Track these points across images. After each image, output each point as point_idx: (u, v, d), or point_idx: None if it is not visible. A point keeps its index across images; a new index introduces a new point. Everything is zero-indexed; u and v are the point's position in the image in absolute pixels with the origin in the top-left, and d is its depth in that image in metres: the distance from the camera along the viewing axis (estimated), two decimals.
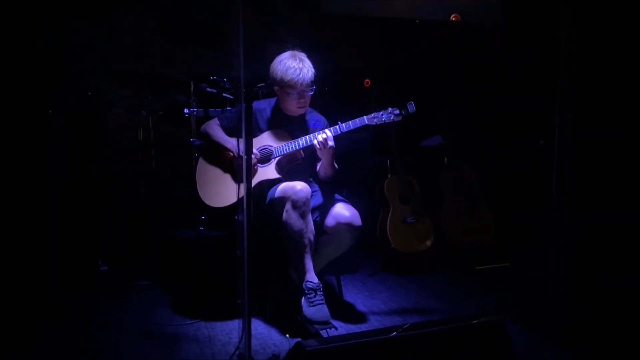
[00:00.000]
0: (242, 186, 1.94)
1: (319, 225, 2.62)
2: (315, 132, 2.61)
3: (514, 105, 4.29)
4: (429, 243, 3.46)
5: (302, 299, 2.50)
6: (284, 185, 2.54)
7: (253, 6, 2.03)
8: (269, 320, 2.67)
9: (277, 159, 2.65)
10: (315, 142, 2.55)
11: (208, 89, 3.26)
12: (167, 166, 3.83)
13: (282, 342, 2.47)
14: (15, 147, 3.37)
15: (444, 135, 3.94)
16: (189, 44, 3.62)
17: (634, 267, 2.79)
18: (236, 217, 2.39)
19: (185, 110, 3.29)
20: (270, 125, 2.74)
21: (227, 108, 3.23)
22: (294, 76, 2.59)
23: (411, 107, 2.56)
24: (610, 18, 2.68)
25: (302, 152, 2.67)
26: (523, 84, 4.29)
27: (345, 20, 4.23)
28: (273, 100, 2.80)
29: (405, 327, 1.86)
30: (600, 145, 2.71)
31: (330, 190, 2.76)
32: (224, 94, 3.23)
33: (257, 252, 2.27)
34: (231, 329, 2.59)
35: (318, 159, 2.68)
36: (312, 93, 2.69)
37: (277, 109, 2.77)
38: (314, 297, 2.47)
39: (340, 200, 2.68)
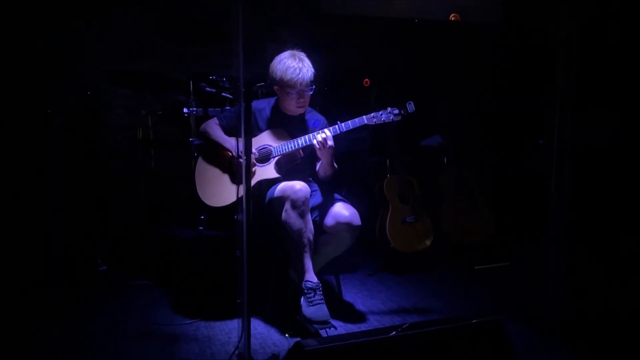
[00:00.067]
0: (242, 186, 1.94)
1: (319, 224, 2.62)
2: (315, 131, 2.61)
3: (514, 105, 4.28)
4: (428, 243, 3.46)
5: (302, 299, 2.50)
6: (283, 185, 2.54)
7: (253, 6, 2.03)
8: (268, 320, 2.67)
9: (276, 158, 2.65)
10: (314, 141, 2.55)
11: (207, 89, 3.26)
12: (167, 166, 3.83)
13: (281, 341, 2.47)
14: (15, 147, 3.37)
15: (443, 135, 3.94)
16: (189, 44, 3.62)
17: (634, 267, 2.79)
18: (235, 217, 2.38)
19: (185, 110, 3.29)
20: (269, 125, 2.74)
21: (227, 107, 3.23)
22: (293, 76, 2.59)
23: (410, 107, 2.56)
24: (610, 18, 2.68)
25: (301, 151, 2.67)
26: (523, 84, 4.29)
27: (345, 20, 4.22)
28: (272, 100, 2.80)
29: (404, 326, 1.86)
30: (601, 145, 2.70)
31: (330, 189, 2.76)
32: (223, 94, 3.23)
33: (256, 252, 2.28)
34: (230, 328, 2.59)
35: (318, 159, 2.68)
36: (311, 93, 2.69)
37: (276, 109, 2.77)
38: (314, 296, 2.47)
39: (340, 200, 2.68)
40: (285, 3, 4.25)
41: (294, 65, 2.60)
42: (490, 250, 3.75)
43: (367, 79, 3.80)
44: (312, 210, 2.59)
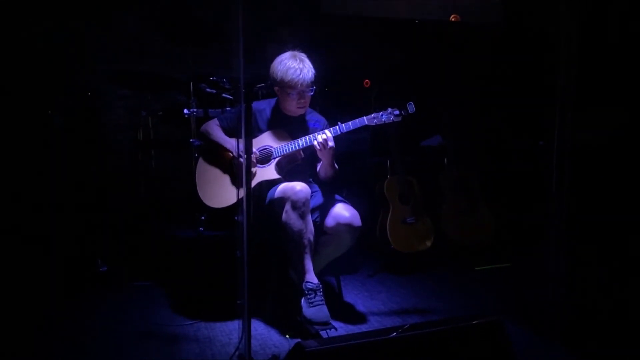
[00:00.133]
0: (242, 187, 1.94)
1: (319, 225, 2.62)
2: (315, 132, 2.61)
3: (514, 105, 4.28)
4: (429, 243, 3.46)
5: (302, 300, 2.50)
6: (283, 186, 2.54)
7: (253, 6, 2.03)
8: (268, 321, 2.67)
9: (277, 159, 2.65)
10: (315, 142, 2.55)
11: (208, 90, 3.26)
12: (167, 166, 3.83)
13: (282, 342, 2.47)
14: (15, 147, 3.37)
15: (444, 135, 3.94)
16: (189, 44, 3.62)
17: (635, 267, 2.79)
18: (236, 218, 2.38)
19: (185, 111, 3.29)
20: (270, 126, 2.74)
21: (227, 108, 3.23)
22: (294, 76, 2.59)
23: (411, 107, 2.56)
24: (610, 18, 2.68)
25: (301, 152, 2.67)
26: (523, 84, 4.29)
27: (345, 20, 4.22)
28: (273, 101, 2.80)
29: (405, 327, 1.86)
30: (601, 145, 2.70)
31: (330, 190, 2.76)
32: (223, 95, 3.23)
33: (256, 253, 2.28)
34: (231, 329, 2.59)
35: (318, 160, 2.68)
36: (312, 93, 2.69)
37: (277, 110, 2.77)
38: (314, 297, 2.47)
39: (340, 201, 2.68)
40: (285, 3, 4.24)
41: (295, 66, 2.60)
42: (491, 251, 3.76)
43: (367, 80, 3.80)
44: (313, 211, 2.59)
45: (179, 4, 3.90)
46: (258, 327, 2.61)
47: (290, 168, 2.70)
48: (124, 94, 3.93)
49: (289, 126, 2.73)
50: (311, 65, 2.66)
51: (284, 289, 2.72)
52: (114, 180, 3.79)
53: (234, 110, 2.97)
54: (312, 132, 2.64)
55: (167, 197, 3.78)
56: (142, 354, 2.36)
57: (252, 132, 2.61)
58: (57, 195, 3.32)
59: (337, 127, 2.58)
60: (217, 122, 2.80)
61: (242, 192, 1.94)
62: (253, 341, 2.34)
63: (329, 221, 2.60)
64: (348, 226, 2.57)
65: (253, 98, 3.08)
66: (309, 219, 2.52)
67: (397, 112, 2.57)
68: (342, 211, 2.59)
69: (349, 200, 2.73)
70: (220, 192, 2.67)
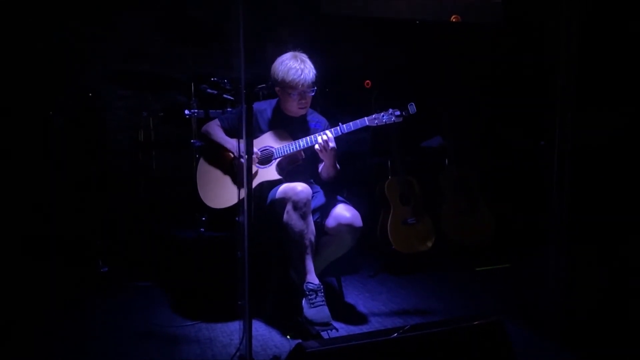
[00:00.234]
0: (243, 187, 1.94)
1: (320, 226, 2.62)
2: (316, 133, 2.61)
3: (514, 105, 4.28)
4: (429, 244, 3.46)
5: (303, 300, 2.50)
6: (284, 187, 2.54)
7: (253, 6, 2.03)
8: (269, 322, 2.67)
9: (277, 160, 2.65)
10: (316, 145, 2.56)
11: (209, 90, 3.26)
12: (168, 167, 3.82)
13: (282, 343, 2.47)
14: (15, 148, 3.37)
15: (444, 135, 3.94)
16: (189, 44, 3.62)
17: (635, 267, 2.79)
18: (237, 218, 2.38)
19: (186, 112, 3.28)
20: (271, 126, 2.74)
21: (228, 109, 3.23)
22: (295, 77, 2.59)
23: (412, 108, 2.56)
24: (610, 18, 2.68)
25: (302, 153, 2.67)
26: (523, 83, 4.29)
27: (345, 20, 4.22)
28: (274, 101, 2.80)
29: (406, 328, 1.86)
30: (601, 145, 2.71)
31: (331, 191, 2.76)
32: (224, 95, 3.23)
33: (257, 254, 2.27)
34: (232, 330, 2.59)
35: (320, 160, 2.68)
36: (313, 94, 2.70)
37: (277, 110, 2.77)
38: (315, 298, 2.47)
39: (341, 201, 2.68)
40: (285, 3, 4.24)
41: (296, 67, 2.60)
42: (491, 251, 3.76)
43: (368, 80, 3.80)
44: (314, 211, 2.59)
45: (180, 4, 3.89)
46: (259, 328, 2.61)
47: (291, 169, 2.70)
48: (124, 94, 3.93)
49: (290, 127, 2.73)
50: (312, 66, 2.66)
51: (284, 289, 2.72)
52: (114, 180, 3.79)
53: (235, 110, 2.97)
54: (313, 133, 2.64)
55: (167, 197, 3.78)
56: (143, 355, 2.36)
57: (253, 132, 2.60)
58: (57, 195, 3.32)
59: (337, 127, 2.58)
60: (218, 123, 2.80)
61: (243, 193, 1.94)
62: (254, 342, 2.33)
63: (330, 222, 2.60)
64: (349, 227, 2.57)
65: (254, 99, 3.08)
66: (310, 219, 2.53)
67: (397, 112, 2.57)
68: (343, 212, 2.59)
69: (349, 200, 2.73)
70: (221, 192, 2.67)
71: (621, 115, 2.71)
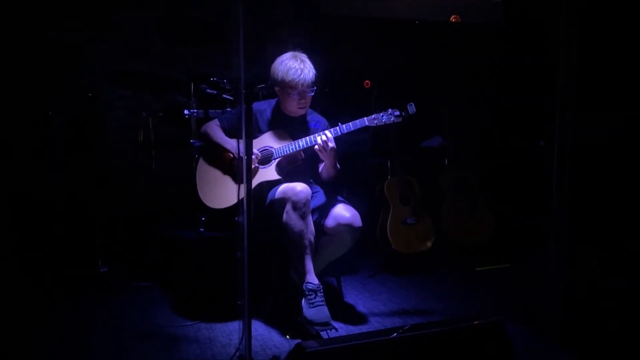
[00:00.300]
0: (243, 187, 1.94)
1: (319, 226, 2.62)
2: (316, 133, 2.61)
3: (514, 105, 4.28)
4: (429, 244, 3.46)
5: (303, 300, 2.50)
6: (284, 187, 2.54)
7: (253, 6, 2.03)
8: (269, 322, 2.67)
9: (277, 160, 2.65)
10: (316, 146, 2.56)
11: (208, 91, 3.26)
12: (167, 167, 3.82)
13: (282, 343, 2.47)
14: (15, 148, 3.37)
15: (444, 135, 3.94)
16: (189, 44, 3.62)
17: (634, 267, 2.79)
18: (236, 219, 2.38)
19: (186, 112, 3.28)
20: (270, 126, 2.74)
21: (227, 109, 3.23)
22: (295, 77, 2.59)
23: (411, 108, 2.56)
24: (610, 18, 2.68)
25: (302, 153, 2.67)
26: (523, 84, 4.29)
27: (345, 20, 4.22)
28: (273, 102, 2.80)
29: (405, 328, 1.86)
30: (601, 145, 2.70)
31: (331, 191, 2.76)
32: (224, 95, 3.23)
33: (257, 254, 2.27)
34: (231, 330, 2.59)
35: (319, 160, 2.68)
36: (312, 94, 2.70)
37: (277, 110, 2.77)
38: (314, 298, 2.47)
39: (341, 202, 2.68)
40: (285, 3, 4.24)
41: (296, 67, 2.60)
42: (491, 251, 3.76)
43: (367, 80, 3.80)
44: (313, 211, 2.59)
45: (180, 4, 3.89)
46: (258, 328, 2.61)
47: (291, 169, 2.70)
48: (124, 94, 3.92)
49: (289, 127, 2.73)
50: (312, 66, 2.66)
51: (284, 289, 2.72)
52: (114, 180, 3.79)
53: (235, 110, 2.97)
54: (313, 133, 2.64)
55: (167, 197, 3.78)
56: (142, 355, 2.36)
57: (253, 132, 2.60)
58: (57, 195, 3.32)
59: (337, 127, 2.58)
60: (218, 123, 2.80)
61: (243, 193, 1.94)
62: (253, 342, 2.34)
63: (330, 222, 2.60)
64: (348, 227, 2.57)
65: (253, 99, 3.08)
66: (310, 219, 2.53)
67: (397, 112, 2.57)
68: (342, 212, 2.59)
69: (349, 200, 2.73)
70: (220, 192, 2.67)
71: (621, 116, 2.71)
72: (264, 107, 2.79)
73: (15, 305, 2.85)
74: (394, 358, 1.83)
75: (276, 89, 2.71)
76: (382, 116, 2.56)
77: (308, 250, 2.52)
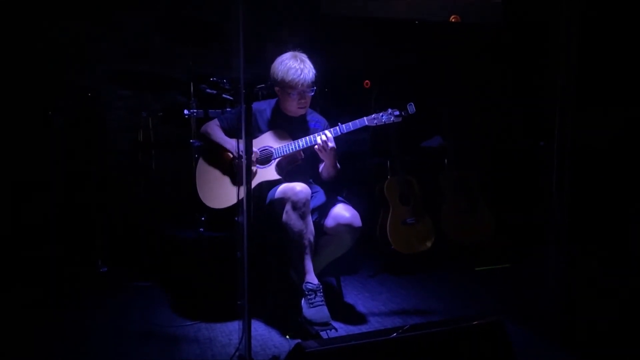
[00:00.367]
0: (242, 187, 1.94)
1: (319, 226, 2.62)
2: (316, 133, 2.61)
3: (514, 105, 4.28)
4: (429, 244, 3.46)
5: (302, 300, 2.50)
6: (283, 187, 2.54)
7: (253, 6, 2.03)
8: (269, 322, 2.67)
9: (277, 160, 2.65)
10: (315, 146, 2.56)
11: (208, 90, 3.26)
12: (167, 167, 3.82)
13: (282, 343, 2.47)
14: (15, 147, 3.37)
15: (444, 135, 3.94)
16: (188, 44, 3.62)
17: (634, 267, 2.79)
18: (236, 218, 2.38)
19: (185, 112, 3.28)
20: (270, 126, 2.74)
21: (227, 109, 3.23)
22: (295, 77, 2.59)
23: (411, 108, 2.56)
24: (610, 18, 2.68)
25: (302, 153, 2.67)
26: (523, 84, 4.29)
27: (345, 20, 4.22)
28: (273, 101, 2.80)
29: (405, 328, 1.86)
30: (601, 145, 2.71)
31: (331, 191, 2.76)
32: (223, 95, 3.23)
33: (257, 253, 2.27)
34: (231, 330, 2.59)
35: (319, 160, 2.68)
36: (312, 94, 2.70)
37: (277, 110, 2.77)
38: (314, 298, 2.47)
39: (341, 201, 2.68)
40: (285, 3, 4.24)
41: (296, 66, 2.60)
42: (491, 251, 3.76)
43: (367, 80, 3.80)
44: (313, 211, 2.59)
45: (180, 4, 3.89)
46: (258, 328, 2.61)
47: (291, 169, 2.70)
48: (124, 94, 3.92)
49: (289, 127, 2.73)
50: (312, 66, 2.66)
51: (284, 289, 2.72)
52: (114, 180, 3.79)
53: (234, 110, 2.97)
54: (313, 133, 2.64)
55: (167, 197, 3.78)
56: (142, 355, 2.36)
57: (253, 132, 2.60)
58: (57, 195, 3.32)
59: (337, 127, 2.58)
60: (218, 123, 2.80)
61: (243, 193, 1.94)
62: (253, 342, 2.34)
63: (329, 222, 2.60)
64: (348, 227, 2.57)
65: (253, 98, 3.08)
66: (309, 219, 2.52)
67: (397, 112, 2.57)
68: (342, 212, 2.59)
69: (349, 200, 2.73)
70: (220, 192, 2.67)
71: (621, 115, 2.71)
72: (263, 107, 2.79)
73: (15, 305, 2.85)
74: (394, 358, 1.83)
75: (276, 89, 2.71)
76: (382, 116, 2.56)
77: (308, 250, 2.52)
